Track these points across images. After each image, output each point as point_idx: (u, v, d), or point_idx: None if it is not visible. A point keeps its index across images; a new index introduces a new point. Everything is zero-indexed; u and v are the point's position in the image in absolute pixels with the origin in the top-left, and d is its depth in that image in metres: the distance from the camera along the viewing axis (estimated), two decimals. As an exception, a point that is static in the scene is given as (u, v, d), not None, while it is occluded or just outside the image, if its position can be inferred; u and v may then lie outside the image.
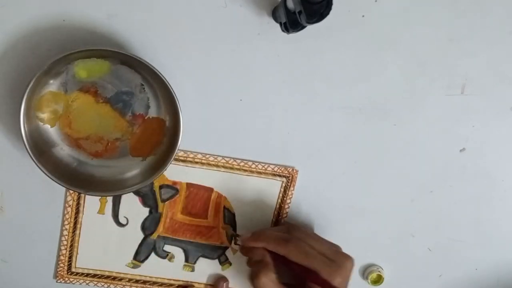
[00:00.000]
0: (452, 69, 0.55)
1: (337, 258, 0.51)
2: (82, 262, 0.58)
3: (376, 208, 0.60)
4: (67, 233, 0.57)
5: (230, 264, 0.60)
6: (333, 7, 0.41)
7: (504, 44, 0.54)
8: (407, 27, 0.53)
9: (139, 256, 0.59)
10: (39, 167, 0.49)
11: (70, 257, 0.58)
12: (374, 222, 0.60)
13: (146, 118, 0.53)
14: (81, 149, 0.53)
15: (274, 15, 0.51)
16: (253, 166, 0.56)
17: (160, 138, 0.53)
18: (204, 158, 0.56)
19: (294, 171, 0.57)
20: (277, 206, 0.58)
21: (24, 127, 0.48)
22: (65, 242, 0.57)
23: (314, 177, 0.58)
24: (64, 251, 0.58)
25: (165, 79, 0.48)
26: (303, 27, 0.47)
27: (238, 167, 0.56)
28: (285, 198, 0.58)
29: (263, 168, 0.57)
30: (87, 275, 0.59)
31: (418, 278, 0.63)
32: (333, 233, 0.60)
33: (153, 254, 0.59)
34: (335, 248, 0.53)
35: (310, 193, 0.58)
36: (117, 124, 0.53)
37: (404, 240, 0.61)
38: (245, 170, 0.57)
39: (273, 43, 0.52)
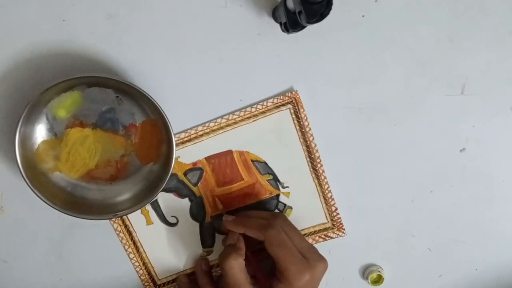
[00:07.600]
0: (452, 69, 0.55)
1: (311, 257, 0.50)
2: (162, 273, 0.60)
3: (376, 208, 0.60)
4: (133, 256, 0.58)
5: (291, 207, 0.59)
6: (333, 7, 0.41)
7: (504, 44, 0.54)
8: (407, 27, 0.53)
9: (206, 243, 0.59)
10: (38, 196, 0.50)
11: (149, 274, 0.59)
12: (374, 222, 0.60)
13: (137, 125, 0.53)
14: (97, 180, 0.54)
15: (274, 15, 0.51)
16: (254, 110, 0.55)
17: (160, 137, 0.53)
18: (205, 127, 0.55)
19: (294, 92, 0.55)
20: (299, 133, 0.56)
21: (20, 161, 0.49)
22: (137, 264, 0.59)
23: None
24: (141, 272, 0.59)
25: (129, 82, 0.48)
26: (303, 27, 0.47)
27: (240, 118, 0.55)
28: (301, 122, 0.56)
29: (264, 107, 0.55)
30: (173, 281, 0.60)
31: (418, 278, 0.63)
32: (333, 233, 0.60)
33: (217, 235, 0.59)
34: (313, 249, 0.52)
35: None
36: (115, 142, 0.53)
37: (404, 240, 0.61)
38: (249, 118, 0.55)
39: (273, 43, 0.52)
